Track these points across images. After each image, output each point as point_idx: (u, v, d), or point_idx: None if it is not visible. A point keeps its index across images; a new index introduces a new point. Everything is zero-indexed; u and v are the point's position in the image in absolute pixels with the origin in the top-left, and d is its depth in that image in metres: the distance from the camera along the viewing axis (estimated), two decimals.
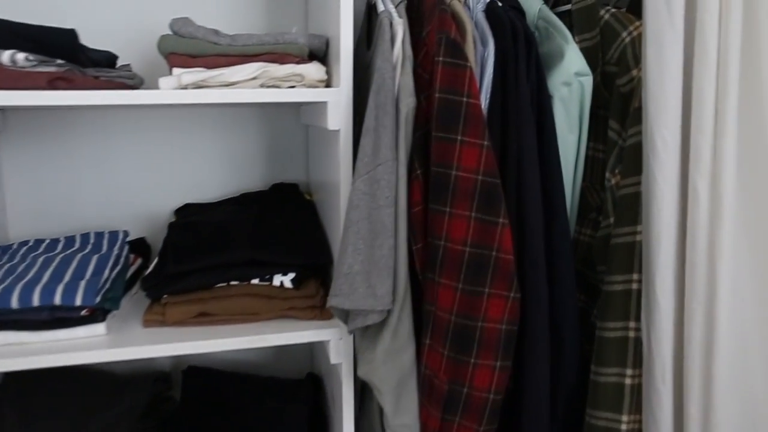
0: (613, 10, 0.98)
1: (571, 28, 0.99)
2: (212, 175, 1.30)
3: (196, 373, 1.27)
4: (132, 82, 1.05)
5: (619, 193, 0.94)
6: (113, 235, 1.14)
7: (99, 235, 1.14)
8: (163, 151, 1.27)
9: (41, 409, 1.10)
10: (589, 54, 0.98)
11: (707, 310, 0.79)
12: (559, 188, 0.93)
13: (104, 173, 1.25)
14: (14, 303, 0.87)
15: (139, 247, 1.22)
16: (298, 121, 1.33)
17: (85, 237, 1.14)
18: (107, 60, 1.04)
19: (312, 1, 1.19)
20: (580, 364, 0.96)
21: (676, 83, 0.79)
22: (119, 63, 1.09)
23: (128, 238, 1.17)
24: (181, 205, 1.27)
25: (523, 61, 0.87)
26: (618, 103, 0.97)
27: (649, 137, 0.83)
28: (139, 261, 1.15)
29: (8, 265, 0.99)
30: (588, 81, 0.94)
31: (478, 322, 0.83)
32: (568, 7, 1.02)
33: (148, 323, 0.96)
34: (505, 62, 0.86)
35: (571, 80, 0.92)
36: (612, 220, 0.96)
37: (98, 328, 0.92)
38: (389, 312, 0.85)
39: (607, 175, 0.98)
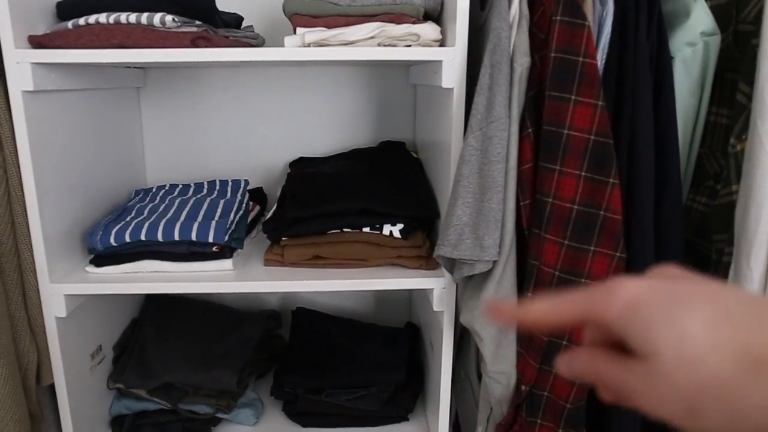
0: None
1: None
2: (324, 130, 1.38)
3: (304, 314, 1.38)
4: (255, 42, 1.13)
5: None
6: (236, 183, 1.25)
7: (224, 183, 1.25)
8: (280, 107, 1.36)
9: (174, 331, 1.25)
10: (721, 12, 0.93)
11: None
12: (674, 153, 0.91)
13: (228, 127, 1.36)
14: (159, 236, 0.99)
15: (257, 195, 1.32)
16: (406, 80, 1.37)
17: (211, 184, 1.25)
18: (235, 21, 1.12)
19: None
20: None
21: None
22: (243, 24, 1.18)
23: (248, 187, 1.28)
24: (294, 158, 1.36)
25: (644, 20, 0.85)
26: (751, 65, 0.92)
27: (759, 97, 0.78)
28: (257, 208, 1.26)
29: (150, 205, 1.12)
30: (715, 41, 0.90)
31: (582, 278, 0.85)
32: None
33: (268, 262, 1.06)
34: (624, 21, 0.85)
35: (695, 40, 0.89)
36: (735, 188, 0.93)
37: (226, 263, 1.03)
38: (494, 263, 0.88)
39: (732, 140, 0.94)
